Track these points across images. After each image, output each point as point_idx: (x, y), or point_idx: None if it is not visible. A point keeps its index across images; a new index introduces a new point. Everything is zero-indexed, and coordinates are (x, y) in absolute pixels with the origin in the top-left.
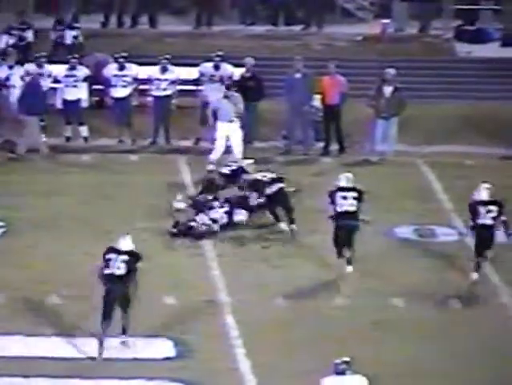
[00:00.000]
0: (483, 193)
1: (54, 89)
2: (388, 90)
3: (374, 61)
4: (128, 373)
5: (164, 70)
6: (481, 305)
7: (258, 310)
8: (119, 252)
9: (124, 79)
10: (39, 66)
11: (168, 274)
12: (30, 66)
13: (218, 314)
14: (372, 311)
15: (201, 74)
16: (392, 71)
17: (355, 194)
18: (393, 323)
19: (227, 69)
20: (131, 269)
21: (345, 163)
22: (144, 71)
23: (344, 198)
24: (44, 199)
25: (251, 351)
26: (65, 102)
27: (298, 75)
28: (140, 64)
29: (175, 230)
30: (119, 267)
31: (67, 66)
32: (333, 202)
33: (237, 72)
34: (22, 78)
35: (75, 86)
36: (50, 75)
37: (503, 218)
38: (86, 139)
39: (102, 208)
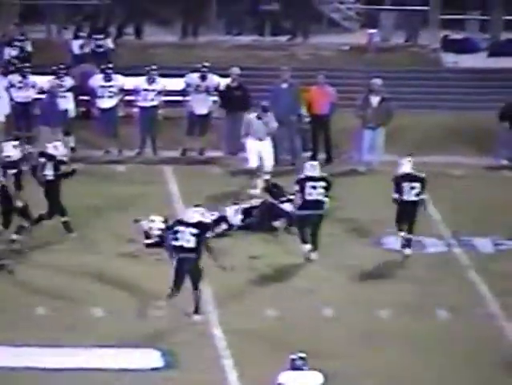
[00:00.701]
0: (406, 167)
1: (39, 99)
2: (374, 100)
3: (361, 71)
4: (115, 384)
5: (150, 80)
6: (469, 315)
7: (245, 320)
8: (187, 224)
9: (111, 89)
10: (23, 76)
11: (155, 285)
12: (15, 77)
13: (206, 325)
14: (360, 323)
15: (187, 85)
16: (378, 81)
17: (324, 184)
18: (381, 335)
19: (213, 79)
20: (200, 242)
21: (332, 173)
22: (130, 82)
23: (314, 188)
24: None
25: (239, 362)
26: None
27: (284, 85)
28: (126, 75)
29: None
30: (188, 240)
31: (52, 76)
32: (301, 190)
33: (223, 82)
34: (6, 89)
35: (62, 96)
36: (34, 86)
37: (422, 196)
38: (73, 149)
39: (88, 219)
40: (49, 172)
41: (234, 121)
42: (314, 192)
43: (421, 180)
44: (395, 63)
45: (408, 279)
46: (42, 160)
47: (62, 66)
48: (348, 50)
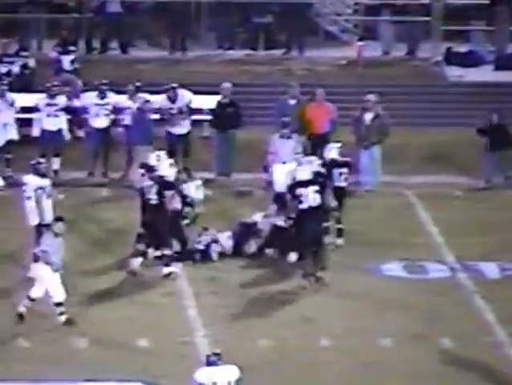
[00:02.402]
0: (333, 152)
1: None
2: (368, 117)
3: (358, 86)
4: None
5: (135, 98)
6: (475, 344)
7: (238, 351)
8: (307, 183)
9: (106, 107)
10: (1, 95)
11: (141, 314)
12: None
13: (195, 356)
14: (360, 352)
15: (159, 108)
16: (372, 97)
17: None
18: (382, 365)
19: (184, 98)
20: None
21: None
22: (115, 99)
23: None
24: (8, 232)
25: None
26: (44, 132)
27: (292, 102)
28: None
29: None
30: (314, 198)
31: (45, 94)
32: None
33: (213, 100)
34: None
35: (56, 115)
36: (12, 104)
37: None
38: (56, 172)
39: (70, 244)
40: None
41: (225, 140)
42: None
43: (348, 165)
44: (395, 78)
45: (410, 306)
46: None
47: (55, 83)
48: (346, 65)
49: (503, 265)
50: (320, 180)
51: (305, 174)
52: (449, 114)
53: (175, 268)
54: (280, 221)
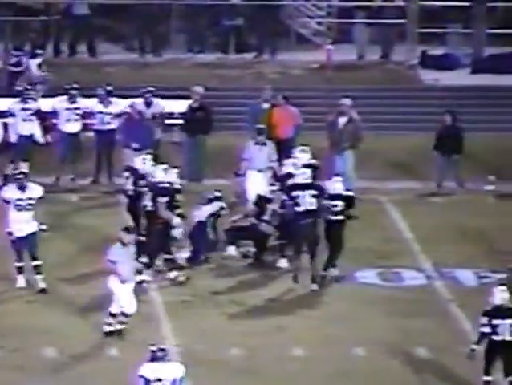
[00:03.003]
0: (304, 156)
1: None
2: (341, 121)
3: (332, 90)
4: None
5: (105, 102)
6: (451, 353)
7: (209, 360)
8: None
9: (77, 112)
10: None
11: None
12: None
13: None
14: (333, 361)
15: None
16: (348, 101)
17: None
18: (355, 374)
19: (159, 105)
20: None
21: None
22: (85, 104)
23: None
24: None
25: None
26: (20, 137)
27: (265, 105)
28: (82, 97)
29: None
30: (310, 202)
31: (19, 98)
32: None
33: (184, 104)
34: None
35: (30, 120)
36: None
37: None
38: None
39: (50, 250)
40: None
41: (196, 145)
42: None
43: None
44: (369, 81)
45: (384, 315)
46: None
47: (28, 87)
48: (318, 68)
49: (480, 272)
50: (318, 185)
51: (303, 178)
52: (425, 118)
53: (146, 276)
54: (265, 227)
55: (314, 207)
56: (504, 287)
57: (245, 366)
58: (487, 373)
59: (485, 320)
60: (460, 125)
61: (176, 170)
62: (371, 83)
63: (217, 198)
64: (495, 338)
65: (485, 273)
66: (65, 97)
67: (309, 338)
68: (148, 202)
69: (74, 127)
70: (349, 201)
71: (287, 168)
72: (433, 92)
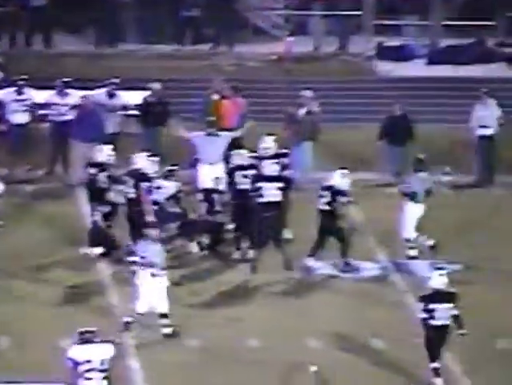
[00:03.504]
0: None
1: None
2: (300, 113)
3: (289, 82)
4: None
5: (62, 94)
6: (406, 345)
7: (164, 352)
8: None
9: (25, 103)
10: None
11: (64, 315)
12: None
13: (121, 357)
14: (289, 353)
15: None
16: (308, 93)
17: (255, 171)
18: (312, 364)
19: (121, 98)
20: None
21: None
22: (41, 96)
23: (244, 176)
24: None
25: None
26: None
27: (216, 97)
28: (37, 88)
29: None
30: (275, 194)
31: None
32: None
33: (140, 95)
34: None
35: None
36: None
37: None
38: None
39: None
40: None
41: (153, 137)
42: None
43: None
44: (325, 73)
45: (341, 306)
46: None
47: None
48: (276, 60)
49: (436, 263)
50: (285, 177)
51: (271, 169)
52: (380, 109)
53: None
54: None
55: (278, 199)
56: (442, 271)
57: (201, 357)
58: (433, 359)
59: (422, 305)
60: (409, 115)
61: (156, 158)
62: (328, 75)
63: (171, 172)
64: (432, 322)
65: (442, 264)
66: (13, 88)
67: (265, 329)
68: (129, 189)
69: (22, 118)
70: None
71: (237, 159)
72: (390, 83)
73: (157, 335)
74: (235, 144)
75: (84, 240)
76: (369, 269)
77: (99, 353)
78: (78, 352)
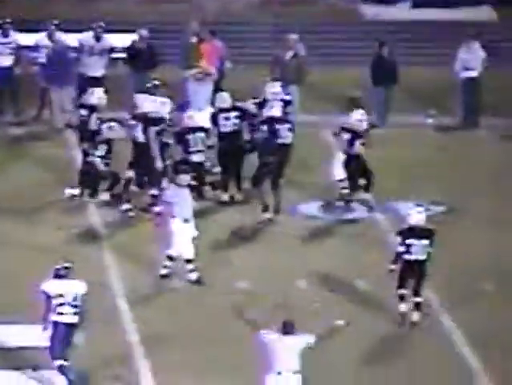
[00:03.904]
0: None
1: None
2: (287, 56)
3: (275, 25)
4: (14, 362)
5: (51, 36)
6: (390, 284)
7: (155, 293)
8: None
9: (9, 46)
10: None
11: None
12: None
13: (109, 298)
14: (275, 294)
15: (81, 45)
16: (294, 36)
17: (237, 113)
18: (297, 306)
19: (107, 41)
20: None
21: None
22: (30, 39)
23: (227, 119)
24: None
25: (146, 344)
26: None
27: (194, 39)
28: (25, 31)
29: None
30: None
31: None
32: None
33: (126, 39)
34: None
35: None
36: None
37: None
38: None
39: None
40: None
41: (141, 80)
42: (229, 124)
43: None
44: (311, 16)
45: (326, 246)
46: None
47: None
48: (260, 4)
49: (420, 204)
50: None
51: (278, 112)
52: (365, 52)
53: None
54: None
55: (290, 141)
56: (421, 208)
57: (191, 299)
58: (400, 287)
59: (399, 239)
60: (393, 57)
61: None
62: (314, 18)
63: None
64: (408, 257)
65: (426, 205)
66: None
67: (254, 271)
68: (138, 133)
69: (7, 60)
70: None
71: (219, 102)
72: (374, 26)
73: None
74: (217, 87)
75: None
76: (355, 210)
77: (72, 288)
78: (51, 286)
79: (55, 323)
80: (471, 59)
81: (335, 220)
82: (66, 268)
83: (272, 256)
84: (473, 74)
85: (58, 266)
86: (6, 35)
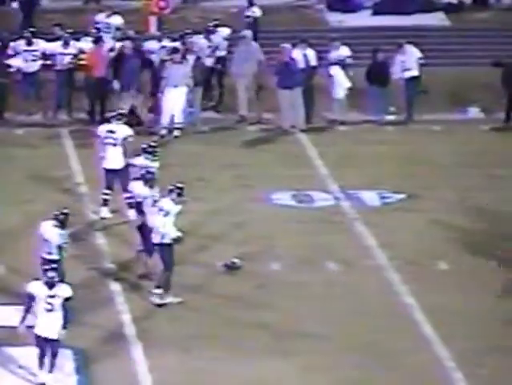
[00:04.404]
0: None
1: None
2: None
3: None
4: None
5: (65, 44)
6: (358, 267)
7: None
8: None
9: (34, 53)
10: None
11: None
12: None
13: (104, 283)
14: (250, 275)
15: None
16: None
17: None
18: (275, 287)
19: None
20: None
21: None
22: (48, 46)
23: None
24: None
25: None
26: None
27: None
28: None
29: None
30: None
31: None
32: None
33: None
34: None
35: None
36: None
37: None
38: None
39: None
40: None
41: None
42: None
43: None
44: (280, 24)
45: (297, 232)
46: None
47: None
48: (237, 13)
49: (382, 193)
50: None
51: None
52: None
53: None
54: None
55: None
56: None
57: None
58: None
59: None
60: (386, 61)
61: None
62: (283, 25)
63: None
64: None
65: (387, 193)
66: (23, 40)
67: (227, 254)
68: None
69: (32, 67)
70: None
71: None
72: (339, 33)
73: None
74: None
75: None
76: (323, 199)
77: (62, 290)
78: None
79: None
80: (407, 60)
81: (305, 208)
82: (64, 214)
83: (246, 240)
84: (414, 73)
85: (57, 212)
86: (29, 43)
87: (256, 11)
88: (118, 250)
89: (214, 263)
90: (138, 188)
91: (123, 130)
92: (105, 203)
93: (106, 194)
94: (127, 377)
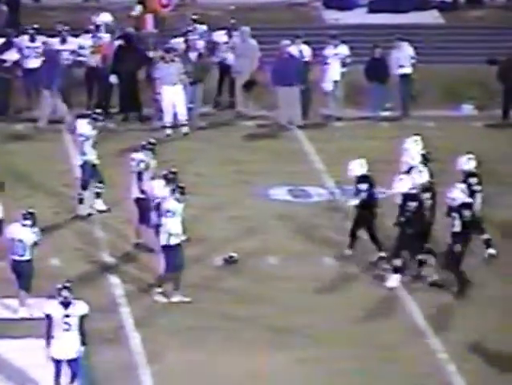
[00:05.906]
0: None
1: None
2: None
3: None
4: (20, 332)
5: (63, 40)
6: (353, 261)
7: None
8: None
9: (37, 50)
10: None
11: (54, 238)
12: None
13: (103, 277)
14: (247, 269)
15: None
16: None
17: None
18: (271, 280)
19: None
20: None
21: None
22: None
23: None
24: None
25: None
26: None
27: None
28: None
29: None
30: None
31: None
32: None
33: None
34: None
35: None
36: None
37: None
38: None
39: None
40: None
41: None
42: None
43: None
44: (276, 21)
45: (294, 227)
46: None
47: None
48: (235, 10)
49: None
50: None
51: None
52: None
53: None
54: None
55: None
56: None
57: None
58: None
59: None
60: (384, 57)
61: None
62: (279, 23)
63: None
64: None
65: (381, 189)
66: (26, 36)
67: (225, 249)
68: None
69: (35, 63)
70: None
71: None
72: (335, 30)
73: None
74: None
75: None
76: (319, 194)
77: (77, 309)
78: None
79: None
80: (401, 57)
81: (301, 203)
82: (31, 213)
83: (244, 234)
84: (406, 70)
85: (24, 212)
86: (32, 40)
87: None
88: (117, 243)
89: (212, 257)
90: (159, 188)
91: None
92: (98, 195)
93: (98, 188)
94: (126, 369)
